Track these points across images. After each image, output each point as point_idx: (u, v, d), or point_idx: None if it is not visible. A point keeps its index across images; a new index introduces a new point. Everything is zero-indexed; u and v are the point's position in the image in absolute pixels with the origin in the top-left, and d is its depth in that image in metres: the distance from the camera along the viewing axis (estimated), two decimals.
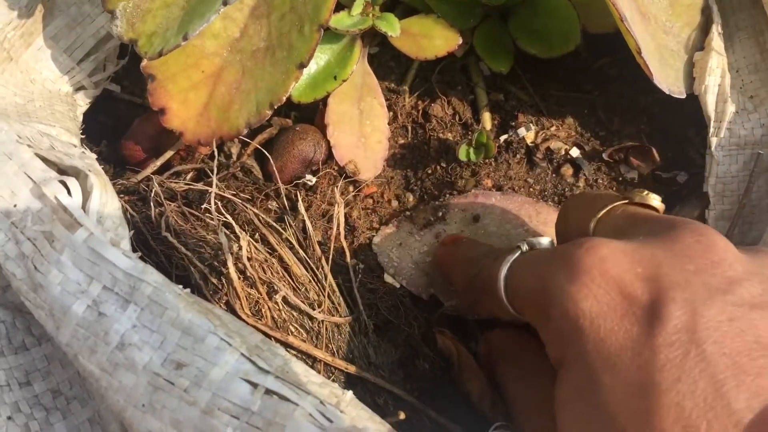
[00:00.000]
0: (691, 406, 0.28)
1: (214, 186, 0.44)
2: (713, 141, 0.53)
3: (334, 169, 0.55)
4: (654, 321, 0.30)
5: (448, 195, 0.54)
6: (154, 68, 0.48)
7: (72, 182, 0.39)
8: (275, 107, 0.47)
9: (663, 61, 0.53)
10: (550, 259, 0.36)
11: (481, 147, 0.55)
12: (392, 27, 0.53)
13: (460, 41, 0.54)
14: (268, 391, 0.33)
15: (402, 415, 0.39)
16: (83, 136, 0.56)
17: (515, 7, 0.56)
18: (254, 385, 0.34)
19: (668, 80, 0.52)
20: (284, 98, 0.46)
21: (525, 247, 0.40)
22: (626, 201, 0.39)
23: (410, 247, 0.52)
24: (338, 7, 0.54)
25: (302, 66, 0.45)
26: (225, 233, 0.47)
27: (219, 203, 0.49)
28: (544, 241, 0.40)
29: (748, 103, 0.54)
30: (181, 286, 0.37)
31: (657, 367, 0.29)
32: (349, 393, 0.35)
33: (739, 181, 0.53)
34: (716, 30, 0.53)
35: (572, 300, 0.32)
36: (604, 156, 0.55)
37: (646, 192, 0.39)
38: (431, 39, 0.54)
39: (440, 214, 0.53)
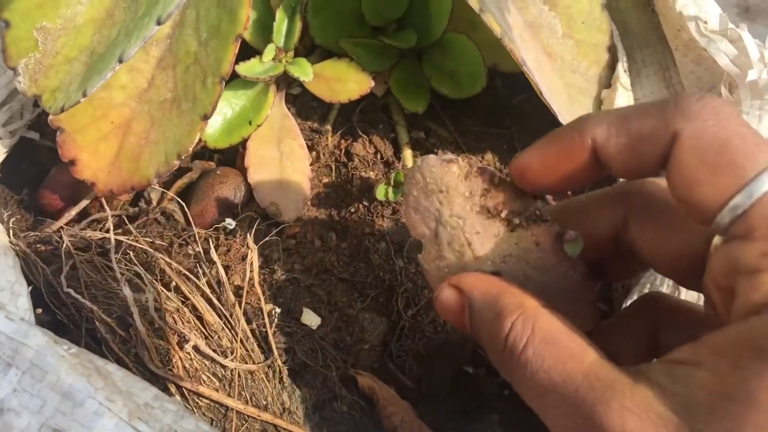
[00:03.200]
0: None
1: (111, 234, 0.44)
2: None
3: (255, 211, 0.55)
4: None
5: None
6: (62, 121, 0.48)
7: None
8: (182, 158, 0.47)
9: (571, 98, 0.54)
10: None
11: (399, 186, 0.56)
12: (305, 72, 0.53)
13: (372, 84, 0.54)
14: None
15: None
16: (3, 185, 0.56)
17: (428, 48, 0.57)
18: None
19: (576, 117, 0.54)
20: (190, 149, 0.47)
21: None
22: None
23: (451, 203, 0.35)
24: (252, 52, 0.55)
25: (206, 117, 0.46)
26: (137, 282, 0.47)
27: (131, 253, 0.49)
28: None
29: None
30: (66, 346, 0.38)
31: None
32: None
33: None
34: (622, 67, 0.55)
35: None
36: None
37: None
38: (344, 83, 0.54)
39: (537, 213, 0.35)
